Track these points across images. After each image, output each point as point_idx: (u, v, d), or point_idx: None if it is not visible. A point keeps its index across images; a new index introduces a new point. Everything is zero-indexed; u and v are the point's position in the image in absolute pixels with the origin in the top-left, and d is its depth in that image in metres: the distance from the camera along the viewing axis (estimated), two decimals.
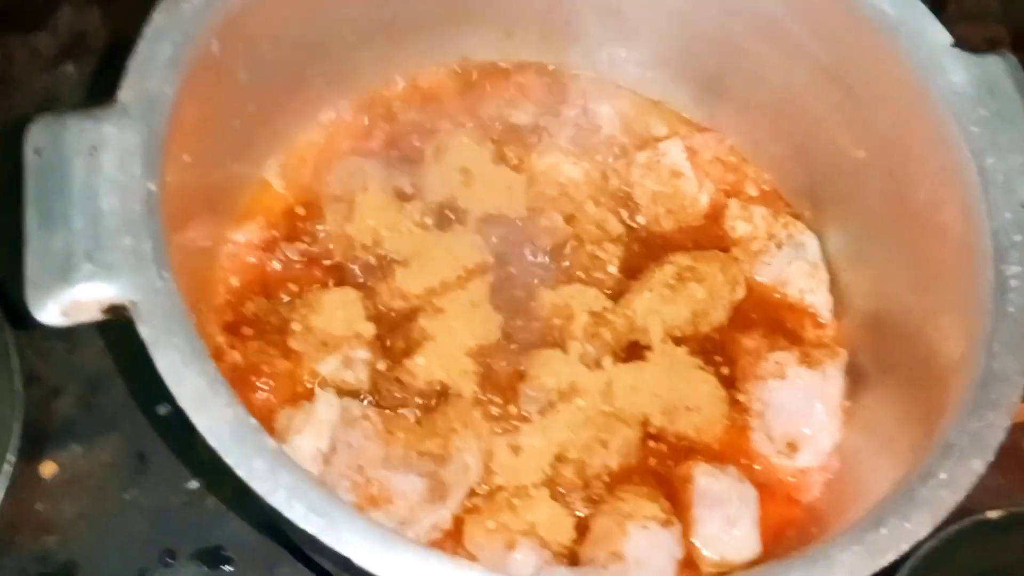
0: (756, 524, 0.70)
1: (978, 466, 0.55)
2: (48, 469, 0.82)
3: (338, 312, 0.74)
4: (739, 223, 0.82)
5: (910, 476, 0.56)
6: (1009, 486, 0.81)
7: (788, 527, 0.72)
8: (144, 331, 0.52)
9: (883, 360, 0.74)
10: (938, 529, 0.74)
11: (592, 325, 0.74)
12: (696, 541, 0.70)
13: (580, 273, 0.78)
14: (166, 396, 0.81)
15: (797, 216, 0.83)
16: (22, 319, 0.82)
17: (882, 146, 0.73)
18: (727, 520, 0.70)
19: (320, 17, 0.76)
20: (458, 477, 0.67)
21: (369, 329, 0.74)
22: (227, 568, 0.79)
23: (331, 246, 0.78)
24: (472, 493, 0.69)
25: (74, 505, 0.81)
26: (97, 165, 0.55)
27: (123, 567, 0.79)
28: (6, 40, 0.99)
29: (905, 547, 0.53)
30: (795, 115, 0.80)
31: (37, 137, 0.56)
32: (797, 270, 0.81)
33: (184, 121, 0.60)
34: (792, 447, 0.75)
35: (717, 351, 0.78)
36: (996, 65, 0.68)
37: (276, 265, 0.78)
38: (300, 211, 0.80)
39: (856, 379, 0.76)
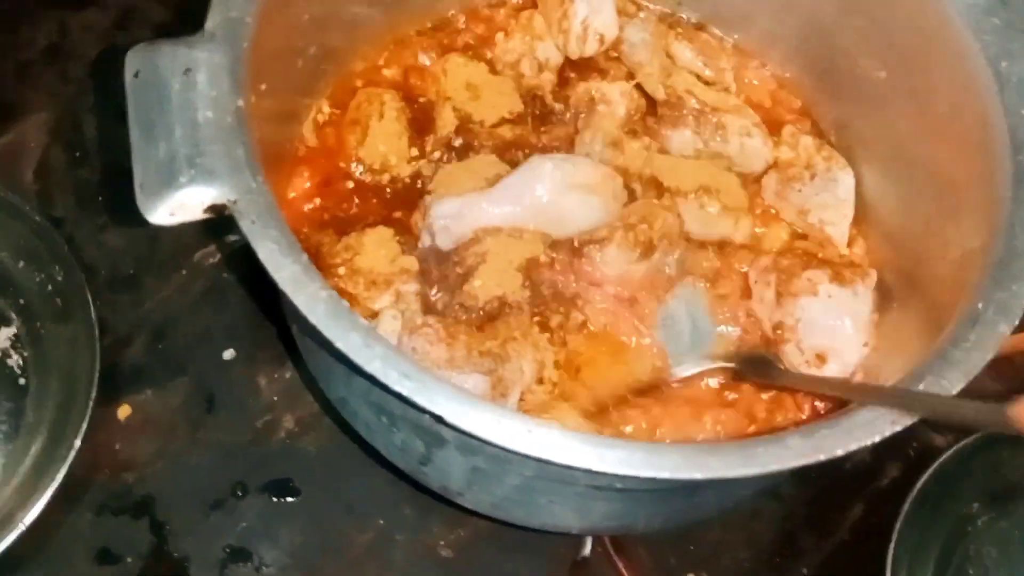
0: None
1: (1004, 330, 0.60)
2: (123, 412, 0.86)
3: (380, 251, 0.77)
4: (784, 148, 0.86)
5: (943, 341, 0.60)
6: None
7: None
8: (244, 225, 0.57)
9: (907, 271, 0.78)
10: (954, 441, 0.81)
11: None
12: None
13: None
14: (229, 342, 0.89)
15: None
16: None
17: (904, 65, 0.78)
18: None
19: None
20: (515, 376, 0.71)
21: (412, 263, 0.77)
22: (293, 499, 0.84)
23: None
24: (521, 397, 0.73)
25: (149, 444, 0.85)
26: (192, 83, 0.60)
27: (197, 499, 0.83)
28: (60, 15, 1.04)
29: None
30: (820, 46, 0.85)
31: (135, 62, 0.61)
32: (822, 202, 0.84)
33: (261, 50, 0.66)
34: (820, 359, 0.78)
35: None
36: None
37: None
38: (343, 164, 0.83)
39: (883, 293, 0.80)
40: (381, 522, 0.84)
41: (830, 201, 0.85)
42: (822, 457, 0.55)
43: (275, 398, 0.88)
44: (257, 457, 0.86)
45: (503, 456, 0.56)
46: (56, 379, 0.83)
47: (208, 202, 0.58)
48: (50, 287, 0.84)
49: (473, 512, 0.77)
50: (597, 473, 0.53)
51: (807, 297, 0.80)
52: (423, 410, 0.53)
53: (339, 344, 0.54)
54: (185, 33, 0.93)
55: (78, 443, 0.77)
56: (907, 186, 0.81)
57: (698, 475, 0.54)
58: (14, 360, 0.85)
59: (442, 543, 0.85)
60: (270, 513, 0.84)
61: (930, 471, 0.81)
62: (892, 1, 0.77)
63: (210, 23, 0.63)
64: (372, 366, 0.54)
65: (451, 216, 0.76)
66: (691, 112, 0.84)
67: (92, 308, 0.82)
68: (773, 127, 0.88)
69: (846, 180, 0.86)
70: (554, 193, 0.77)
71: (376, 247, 0.78)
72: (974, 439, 0.82)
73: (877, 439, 0.56)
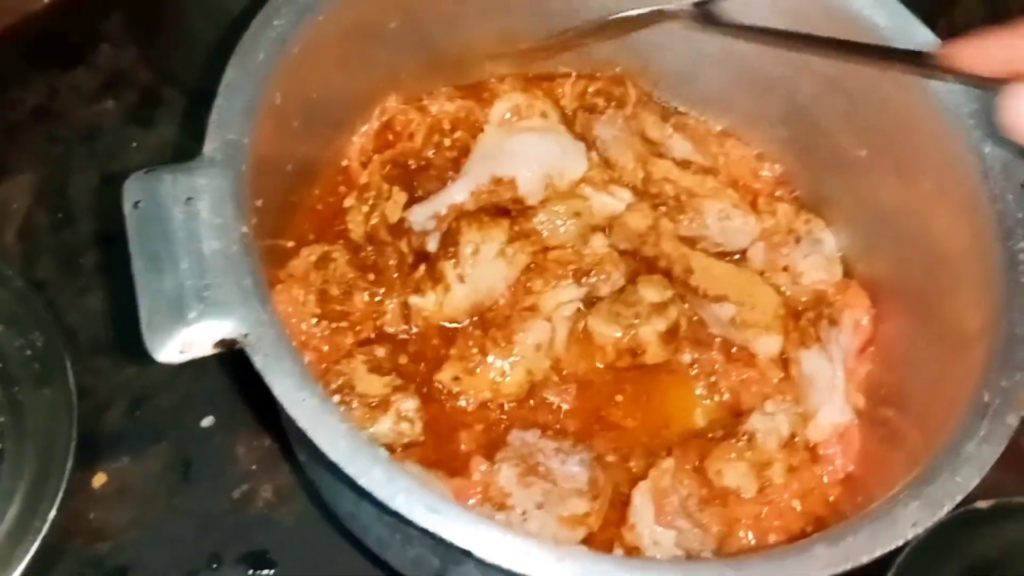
0: None
1: (1013, 421, 0.61)
2: (99, 479, 0.85)
3: (372, 374, 0.74)
4: (764, 216, 0.87)
5: (953, 434, 0.61)
6: (999, 479, 0.85)
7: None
8: (258, 360, 0.56)
9: (906, 339, 0.79)
10: None
11: None
12: None
13: None
14: (208, 409, 0.87)
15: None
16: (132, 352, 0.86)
17: (886, 145, 0.79)
18: None
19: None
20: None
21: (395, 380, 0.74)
22: (269, 572, 0.83)
23: None
24: None
25: (124, 513, 0.84)
26: (194, 212, 0.59)
27: (173, 571, 0.82)
28: (48, 75, 1.04)
29: (959, 498, 0.59)
30: (801, 125, 0.86)
31: (134, 192, 0.60)
32: (812, 263, 0.86)
33: (257, 167, 0.65)
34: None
35: None
36: None
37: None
38: None
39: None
40: None
41: (820, 262, 0.86)
42: (849, 565, 0.55)
43: (253, 467, 0.87)
44: (234, 527, 0.85)
45: None
46: (33, 446, 0.81)
47: (219, 337, 0.56)
48: (29, 351, 0.83)
49: None
50: None
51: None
52: (450, 544, 0.53)
53: (362, 482, 0.53)
54: (172, 95, 0.93)
55: (53, 514, 0.76)
56: (896, 259, 0.82)
57: None
58: None
59: None
60: None
61: (909, 546, 0.80)
62: (871, 82, 0.78)
63: (208, 147, 0.62)
64: (396, 501, 0.53)
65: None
66: (670, 200, 0.85)
67: (71, 375, 0.81)
68: (754, 200, 0.89)
69: (829, 239, 0.88)
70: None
71: (365, 370, 0.74)
72: (953, 516, 0.82)
73: (900, 543, 0.57)
